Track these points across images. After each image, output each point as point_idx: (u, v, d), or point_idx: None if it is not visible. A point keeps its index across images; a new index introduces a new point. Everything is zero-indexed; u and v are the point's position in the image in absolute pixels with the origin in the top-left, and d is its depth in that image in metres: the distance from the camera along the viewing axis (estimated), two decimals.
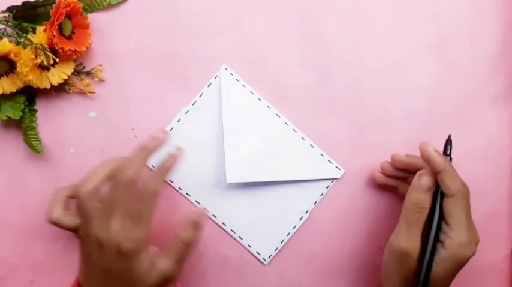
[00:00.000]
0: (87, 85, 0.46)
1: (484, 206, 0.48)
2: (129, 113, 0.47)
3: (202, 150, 0.47)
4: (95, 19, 0.46)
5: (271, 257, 0.47)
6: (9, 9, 0.44)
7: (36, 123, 0.46)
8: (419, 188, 0.39)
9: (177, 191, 0.47)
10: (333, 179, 0.47)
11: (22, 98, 0.45)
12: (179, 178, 0.47)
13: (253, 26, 0.47)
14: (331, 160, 0.48)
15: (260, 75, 0.47)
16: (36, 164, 0.47)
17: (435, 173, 0.39)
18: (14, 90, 0.44)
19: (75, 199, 0.40)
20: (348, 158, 0.48)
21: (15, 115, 0.44)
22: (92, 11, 0.46)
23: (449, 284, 0.39)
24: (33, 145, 0.45)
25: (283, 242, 0.47)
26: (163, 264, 0.39)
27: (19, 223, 0.47)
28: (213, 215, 0.47)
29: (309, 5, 0.47)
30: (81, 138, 0.47)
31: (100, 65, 0.46)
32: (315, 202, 0.47)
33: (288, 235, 0.47)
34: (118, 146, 0.46)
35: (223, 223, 0.47)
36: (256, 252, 0.47)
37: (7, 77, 0.43)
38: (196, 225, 0.41)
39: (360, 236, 0.48)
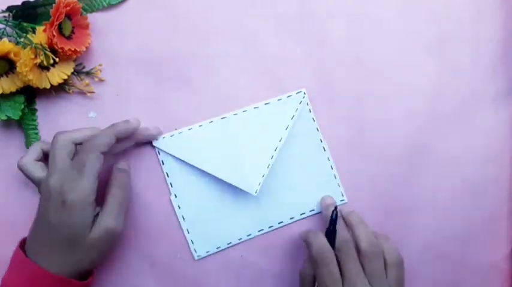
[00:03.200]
0: (87, 85, 0.46)
1: (484, 206, 0.48)
2: (129, 113, 0.47)
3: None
4: (95, 19, 0.46)
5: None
6: (9, 9, 0.44)
7: (36, 123, 0.46)
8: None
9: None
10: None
11: (22, 98, 0.45)
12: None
13: (253, 26, 0.47)
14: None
15: (259, 75, 0.47)
16: None
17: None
18: (13, 90, 0.44)
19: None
20: (348, 158, 0.48)
21: (15, 115, 0.44)
22: (92, 11, 0.46)
23: None
24: None
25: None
26: (105, 220, 0.41)
27: (19, 223, 0.47)
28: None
29: (309, 5, 0.47)
30: None
31: (100, 65, 0.46)
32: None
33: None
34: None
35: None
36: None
37: (7, 77, 0.43)
38: (123, 171, 0.44)
39: None
